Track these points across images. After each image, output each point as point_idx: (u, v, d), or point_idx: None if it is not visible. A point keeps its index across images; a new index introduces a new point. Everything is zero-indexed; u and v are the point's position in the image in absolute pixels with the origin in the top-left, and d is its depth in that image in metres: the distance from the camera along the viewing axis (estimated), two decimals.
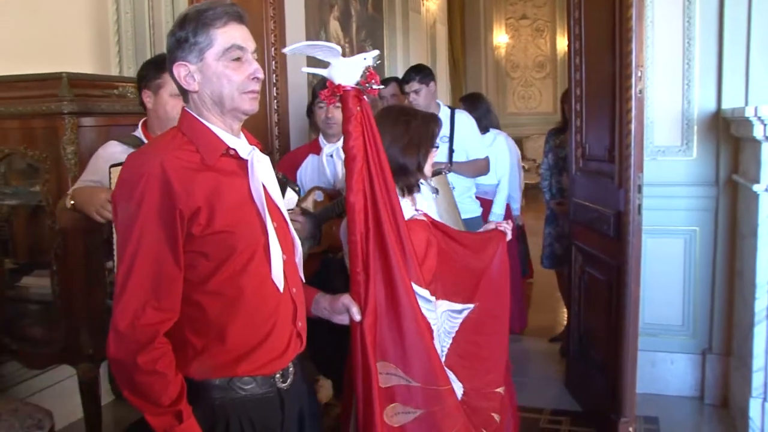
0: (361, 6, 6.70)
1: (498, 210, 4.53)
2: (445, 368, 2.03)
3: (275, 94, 3.87)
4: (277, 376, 1.65)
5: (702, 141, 3.58)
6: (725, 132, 3.50)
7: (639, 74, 2.95)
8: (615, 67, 3.12)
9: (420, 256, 2.01)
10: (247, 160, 1.62)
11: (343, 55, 1.78)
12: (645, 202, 3.05)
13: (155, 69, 2.50)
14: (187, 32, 1.55)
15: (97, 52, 3.84)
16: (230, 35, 1.56)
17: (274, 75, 3.85)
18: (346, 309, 1.84)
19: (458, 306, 2.18)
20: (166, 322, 1.50)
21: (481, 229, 2.50)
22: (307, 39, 5.10)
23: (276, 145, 3.87)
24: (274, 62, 3.60)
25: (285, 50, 1.79)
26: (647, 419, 3.46)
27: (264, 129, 3.90)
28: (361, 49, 6.53)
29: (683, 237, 3.66)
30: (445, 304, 2.15)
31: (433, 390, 1.89)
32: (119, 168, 2.28)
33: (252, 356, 1.59)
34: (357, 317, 1.82)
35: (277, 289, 1.62)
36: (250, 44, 1.60)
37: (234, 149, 1.61)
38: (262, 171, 1.64)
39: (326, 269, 2.81)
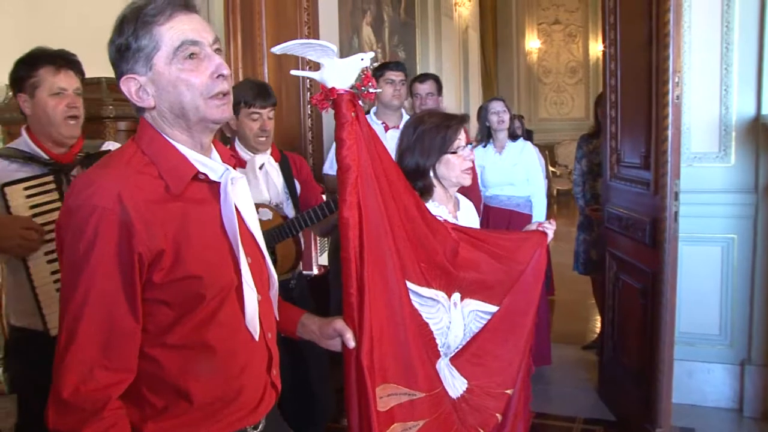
0: (393, 12, 6.72)
1: (542, 219, 4.47)
2: (449, 365, 2.00)
3: (309, 99, 3.90)
4: (249, 428, 1.43)
5: (740, 147, 3.52)
6: (765, 138, 3.43)
7: (676, 80, 2.91)
8: (651, 73, 3.08)
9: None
10: (219, 183, 1.37)
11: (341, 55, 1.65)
12: (681, 209, 3.00)
13: (28, 67, 2.18)
14: (127, 37, 1.28)
15: None
16: (179, 30, 1.29)
17: (309, 81, 3.88)
18: (338, 335, 1.62)
19: (491, 308, 2.14)
20: (119, 385, 1.25)
21: (524, 229, 2.44)
22: (341, 45, 5.13)
23: (309, 150, 3.90)
24: (308, 67, 3.63)
25: (274, 50, 1.55)
26: (683, 430, 3.40)
27: (297, 135, 3.94)
28: (394, 55, 6.55)
29: (720, 245, 3.60)
30: (473, 304, 2.11)
31: (435, 394, 1.87)
32: (17, 187, 2.09)
33: (220, 414, 1.36)
34: (351, 344, 1.60)
35: (252, 337, 1.41)
36: (207, 35, 1.32)
37: (204, 174, 1.35)
38: (236, 194, 1.39)
39: (288, 295, 2.60)
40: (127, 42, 1.28)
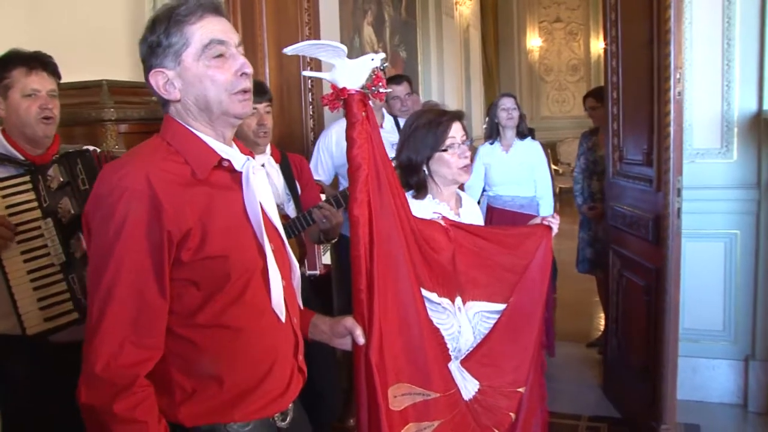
0: (394, 11, 6.71)
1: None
2: (459, 367, 2.00)
3: (311, 100, 3.90)
4: (277, 416, 1.47)
5: (743, 143, 3.52)
6: (767, 134, 3.43)
7: (678, 76, 2.91)
8: (653, 69, 3.08)
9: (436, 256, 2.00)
10: (241, 173, 1.43)
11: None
12: (684, 205, 3.00)
13: (0, 69, 2.16)
14: (159, 35, 1.37)
15: (135, 57, 3.88)
16: (208, 30, 1.37)
17: (310, 81, 3.88)
18: (348, 332, 1.65)
19: (497, 306, 2.13)
20: (147, 362, 1.30)
21: (528, 224, 2.40)
22: (342, 44, 5.13)
23: (311, 150, 3.90)
24: (309, 67, 3.63)
25: (285, 50, 1.59)
26: (688, 427, 3.40)
27: (299, 136, 3.94)
28: (395, 55, 6.55)
29: (723, 241, 3.60)
30: (477, 305, 2.10)
31: (450, 395, 1.87)
32: None
33: (250, 398, 1.40)
34: (360, 340, 1.63)
35: (278, 319, 1.44)
36: (233, 37, 1.42)
37: (228, 160, 1.42)
38: (258, 184, 1.45)
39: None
40: (158, 39, 1.37)
